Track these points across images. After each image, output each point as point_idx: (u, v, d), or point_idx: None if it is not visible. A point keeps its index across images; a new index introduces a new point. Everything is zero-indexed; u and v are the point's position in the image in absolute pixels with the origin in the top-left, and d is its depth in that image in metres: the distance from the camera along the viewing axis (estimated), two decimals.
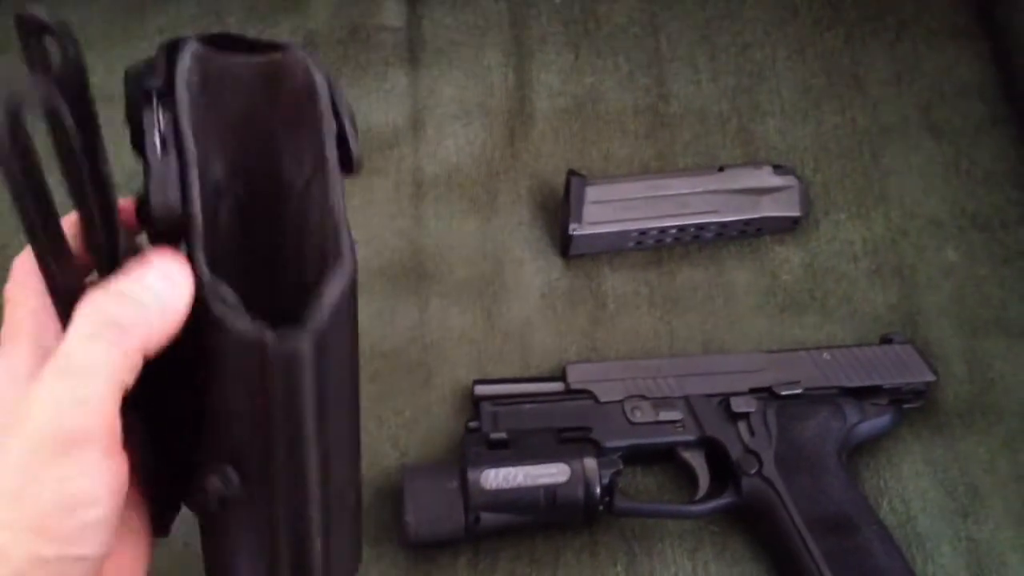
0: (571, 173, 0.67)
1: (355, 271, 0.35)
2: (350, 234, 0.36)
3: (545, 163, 0.72)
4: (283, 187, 0.38)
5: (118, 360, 0.32)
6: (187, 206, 0.34)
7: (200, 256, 0.34)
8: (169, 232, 0.35)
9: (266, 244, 0.38)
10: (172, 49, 0.38)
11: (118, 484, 0.33)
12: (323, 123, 0.36)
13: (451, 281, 0.68)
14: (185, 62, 0.37)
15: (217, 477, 0.36)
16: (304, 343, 0.33)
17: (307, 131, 0.37)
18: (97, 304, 0.33)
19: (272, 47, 0.38)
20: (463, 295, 0.68)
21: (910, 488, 0.62)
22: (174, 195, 0.34)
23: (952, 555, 0.60)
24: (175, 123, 0.36)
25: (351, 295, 0.35)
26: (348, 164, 0.37)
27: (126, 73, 0.37)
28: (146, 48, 0.76)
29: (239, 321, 0.33)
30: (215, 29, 0.75)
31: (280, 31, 0.76)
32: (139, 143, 0.36)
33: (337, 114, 0.37)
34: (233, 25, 0.76)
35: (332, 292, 0.34)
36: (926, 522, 0.61)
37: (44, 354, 0.33)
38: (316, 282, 0.34)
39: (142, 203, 0.35)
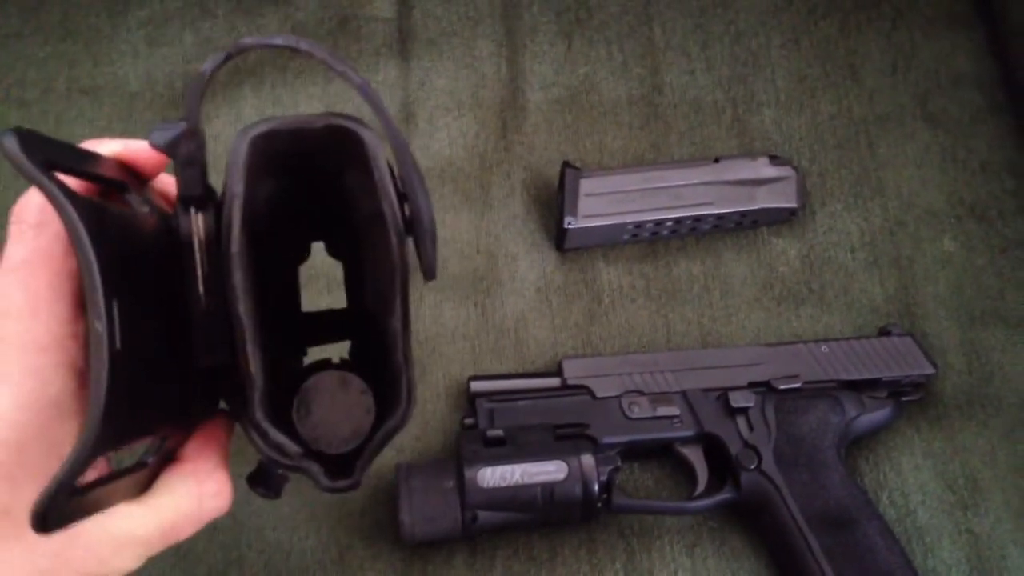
0: (565, 165, 0.66)
1: (411, 410, 0.36)
2: (411, 368, 0.35)
3: (539, 155, 0.71)
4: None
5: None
6: (238, 359, 0.33)
7: (257, 411, 0.33)
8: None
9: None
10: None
11: None
12: (388, 222, 0.34)
13: (445, 276, 0.67)
14: (240, 160, 0.33)
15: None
16: (356, 482, 0.35)
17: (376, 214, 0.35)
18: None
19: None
20: (457, 290, 0.67)
21: (910, 481, 0.62)
22: (223, 352, 0.33)
23: (952, 548, 0.60)
24: (222, 268, 0.33)
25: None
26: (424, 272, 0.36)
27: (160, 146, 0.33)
28: (132, 41, 0.75)
29: (299, 464, 0.34)
30: (201, 21, 0.74)
31: (267, 22, 0.74)
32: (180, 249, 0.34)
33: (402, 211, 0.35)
34: (220, 17, 0.75)
35: (382, 443, 0.36)
36: (926, 515, 0.61)
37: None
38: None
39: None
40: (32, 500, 0.29)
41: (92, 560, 0.32)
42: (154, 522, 0.34)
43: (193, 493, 0.35)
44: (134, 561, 0.34)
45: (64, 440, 0.31)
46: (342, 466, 0.35)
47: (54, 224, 0.32)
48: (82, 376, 0.32)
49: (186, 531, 0.35)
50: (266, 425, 0.33)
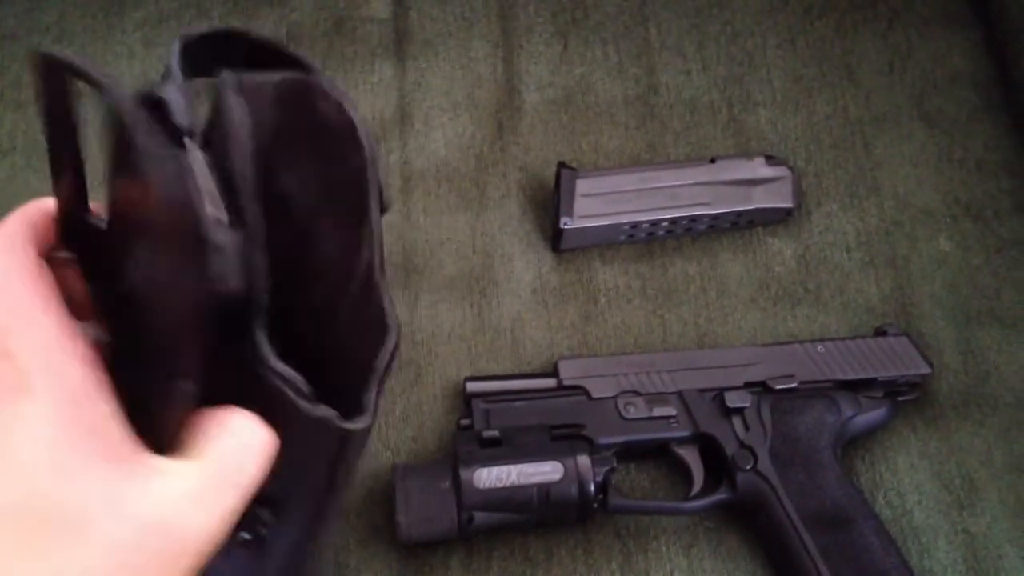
0: (561, 165, 0.66)
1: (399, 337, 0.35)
2: (390, 295, 0.35)
3: (535, 156, 0.71)
4: (294, 214, 0.36)
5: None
6: (251, 289, 0.31)
7: (263, 341, 0.32)
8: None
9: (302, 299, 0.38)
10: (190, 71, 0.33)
11: None
12: (367, 170, 0.33)
13: (440, 277, 0.67)
14: (234, 105, 0.32)
15: (254, 516, 0.35)
16: (364, 425, 0.33)
17: (342, 174, 0.34)
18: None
19: (291, 60, 0.35)
20: (453, 291, 0.67)
21: (906, 481, 0.62)
22: (237, 280, 0.31)
23: (948, 548, 0.60)
24: (230, 185, 0.31)
25: None
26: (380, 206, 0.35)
27: (122, 101, 0.31)
28: (128, 42, 0.75)
29: (313, 409, 0.33)
30: (197, 22, 0.75)
31: (263, 23, 0.74)
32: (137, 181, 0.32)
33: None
34: (216, 19, 0.75)
35: (385, 368, 0.34)
36: (922, 515, 0.61)
37: (73, 403, 0.29)
38: (361, 348, 0.34)
39: None
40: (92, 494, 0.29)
41: (152, 544, 0.30)
42: (195, 468, 0.31)
43: (221, 426, 0.32)
44: (201, 515, 0.31)
45: (100, 423, 0.30)
46: (351, 406, 0.34)
47: (16, 243, 0.32)
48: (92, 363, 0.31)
49: (236, 472, 0.32)
50: (273, 359, 0.31)
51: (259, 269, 0.32)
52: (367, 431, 0.34)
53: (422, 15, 0.76)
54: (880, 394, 0.62)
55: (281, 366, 0.32)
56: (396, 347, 0.34)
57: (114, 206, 0.32)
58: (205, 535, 0.31)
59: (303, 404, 0.32)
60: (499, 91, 0.73)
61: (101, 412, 0.30)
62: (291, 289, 0.36)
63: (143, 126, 0.29)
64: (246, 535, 0.36)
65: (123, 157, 0.30)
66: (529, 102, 0.73)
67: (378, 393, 0.34)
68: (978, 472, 0.62)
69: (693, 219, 0.67)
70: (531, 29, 0.75)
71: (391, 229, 0.68)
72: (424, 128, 0.72)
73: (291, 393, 0.32)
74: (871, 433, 0.62)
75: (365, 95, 0.73)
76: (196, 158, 0.32)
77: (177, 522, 0.30)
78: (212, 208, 0.31)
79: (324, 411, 0.33)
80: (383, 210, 0.35)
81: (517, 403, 0.60)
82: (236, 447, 0.32)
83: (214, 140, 0.32)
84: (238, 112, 0.32)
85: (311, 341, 0.37)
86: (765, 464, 0.59)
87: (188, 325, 0.30)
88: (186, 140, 0.32)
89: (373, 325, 0.35)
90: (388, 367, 0.34)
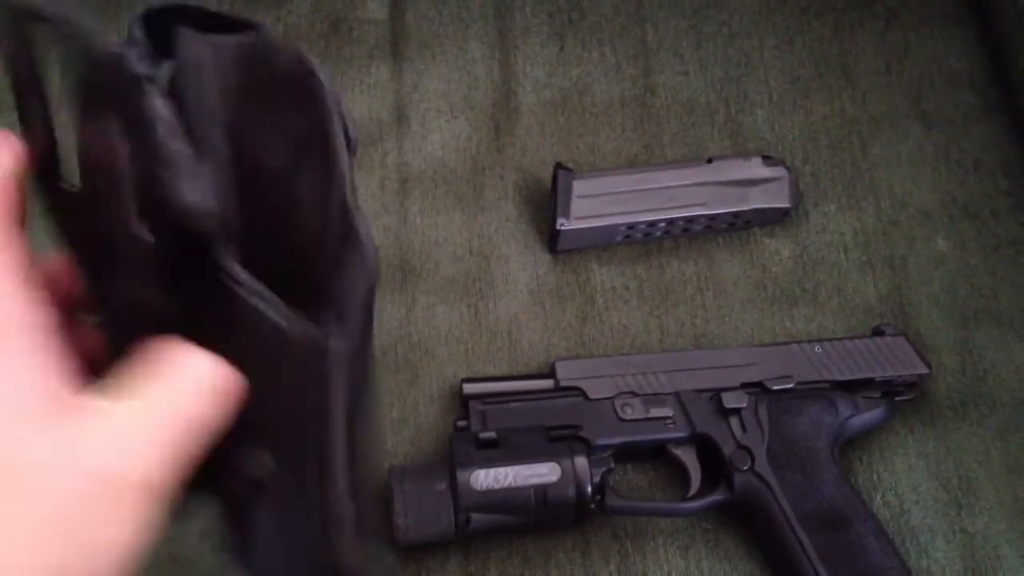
0: (558, 166, 0.66)
1: (375, 255, 0.34)
2: (365, 220, 0.34)
3: (531, 157, 0.71)
4: (267, 170, 0.36)
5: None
6: (222, 212, 0.32)
7: (230, 256, 0.32)
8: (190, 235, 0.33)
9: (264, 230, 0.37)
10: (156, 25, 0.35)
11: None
12: (327, 102, 0.34)
13: (437, 278, 0.67)
14: (198, 48, 0.33)
15: (254, 461, 0.35)
16: (346, 344, 0.33)
17: (301, 110, 0.34)
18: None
19: (245, 24, 0.37)
20: (450, 292, 0.67)
21: (903, 481, 0.61)
22: (210, 198, 0.32)
23: (946, 548, 0.60)
24: (192, 115, 0.32)
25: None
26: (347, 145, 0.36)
27: (100, 57, 0.33)
28: None
29: (293, 324, 0.32)
30: None
31: None
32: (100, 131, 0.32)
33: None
34: None
35: (362, 285, 0.33)
36: (920, 515, 0.61)
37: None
38: (328, 269, 0.33)
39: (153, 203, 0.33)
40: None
41: (100, 504, 0.29)
42: (141, 407, 0.31)
43: (173, 364, 0.32)
44: (150, 458, 0.30)
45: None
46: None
47: None
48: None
49: (189, 412, 0.32)
50: (244, 275, 0.32)
51: (228, 195, 0.32)
52: (356, 355, 0.33)
53: (418, 16, 0.76)
54: (877, 394, 0.61)
55: (252, 281, 0.32)
56: (378, 267, 0.34)
57: (83, 157, 0.32)
58: (156, 478, 0.30)
59: (280, 321, 0.32)
60: (496, 92, 0.73)
61: (35, 364, 0.30)
62: (276, 237, 0.36)
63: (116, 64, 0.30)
64: (249, 483, 0.35)
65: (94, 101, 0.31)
66: (526, 103, 0.73)
67: (368, 320, 0.33)
68: (976, 472, 0.62)
69: (690, 220, 0.67)
70: (528, 30, 0.75)
71: (388, 231, 0.68)
72: (421, 130, 0.72)
73: (266, 308, 0.32)
74: (869, 433, 0.62)
75: (361, 96, 0.73)
76: (157, 101, 0.32)
77: (122, 466, 0.30)
78: (180, 144, 0.32)
79: (304, 326, 0.32)
80: (352, 151, 0.35)
81: (514, 404, 0.60)
82: (189, 385, 0.32)
83: (179, 82, 0.33)
84: (199, 46, 0.33)
85: (303, 282, 0.36)
86: (762, 465, 0.59)
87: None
88: (146, 85, 0.32)
89: (356, 251, 0.34)
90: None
